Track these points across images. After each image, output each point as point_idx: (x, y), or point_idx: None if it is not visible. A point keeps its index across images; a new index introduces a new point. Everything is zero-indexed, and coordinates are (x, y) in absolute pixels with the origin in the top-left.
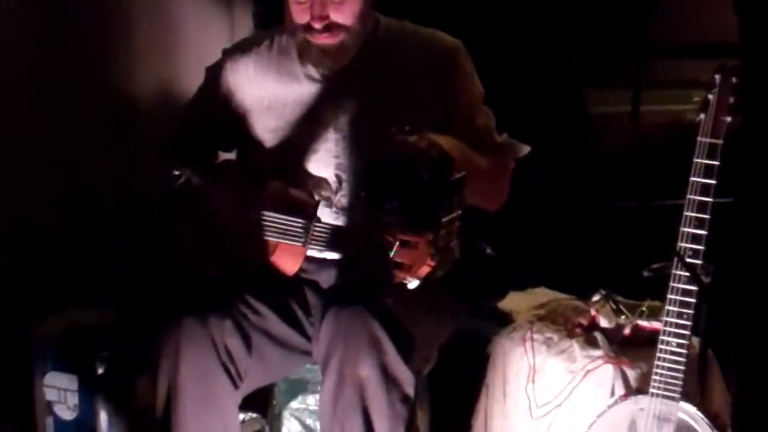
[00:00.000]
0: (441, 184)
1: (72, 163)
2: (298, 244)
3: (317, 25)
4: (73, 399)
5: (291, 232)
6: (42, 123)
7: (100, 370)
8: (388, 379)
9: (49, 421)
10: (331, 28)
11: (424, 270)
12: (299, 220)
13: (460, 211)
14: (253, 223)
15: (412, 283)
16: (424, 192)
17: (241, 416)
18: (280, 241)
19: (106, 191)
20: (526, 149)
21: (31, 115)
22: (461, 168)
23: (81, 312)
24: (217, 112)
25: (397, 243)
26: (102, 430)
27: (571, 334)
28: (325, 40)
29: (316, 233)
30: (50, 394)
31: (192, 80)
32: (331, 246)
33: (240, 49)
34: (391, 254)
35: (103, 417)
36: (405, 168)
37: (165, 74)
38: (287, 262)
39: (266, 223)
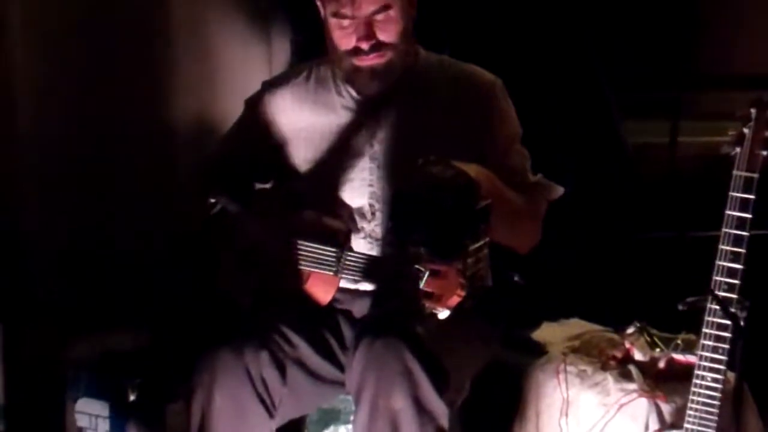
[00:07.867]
0: (466, 212)
1: (110, 188)
2: (330, 273)
3: (365, 46)
4: (104, 425)
5: (323, 261)
6: (84, 149)
7: (132, 397)
8: (422, 411)
9: None
10: (379, 47)
11: (454, 300)
12: (331, 249)
13: (487, 239)
14: (286, 251)
15: (443, 313)
16: (449, 220)
17: None
18: (313, 269)
19: (143, 217)
20: (559, 191)
21: (74, 143)
22: (489, 197)
23: (114, 337)
24: (256, 143)
25: (427, 273)
26: None
27: (605, 367)
28: (373, 60)
29: (348, 262)
30: (82, 420)
31: (232, 111)
32: (363, 275)
33: (278, 81)
34: (421, 284)
35: None
36: (430, 197)
37: (205, 105)
38: (320, 291)
39: (299, 252)
